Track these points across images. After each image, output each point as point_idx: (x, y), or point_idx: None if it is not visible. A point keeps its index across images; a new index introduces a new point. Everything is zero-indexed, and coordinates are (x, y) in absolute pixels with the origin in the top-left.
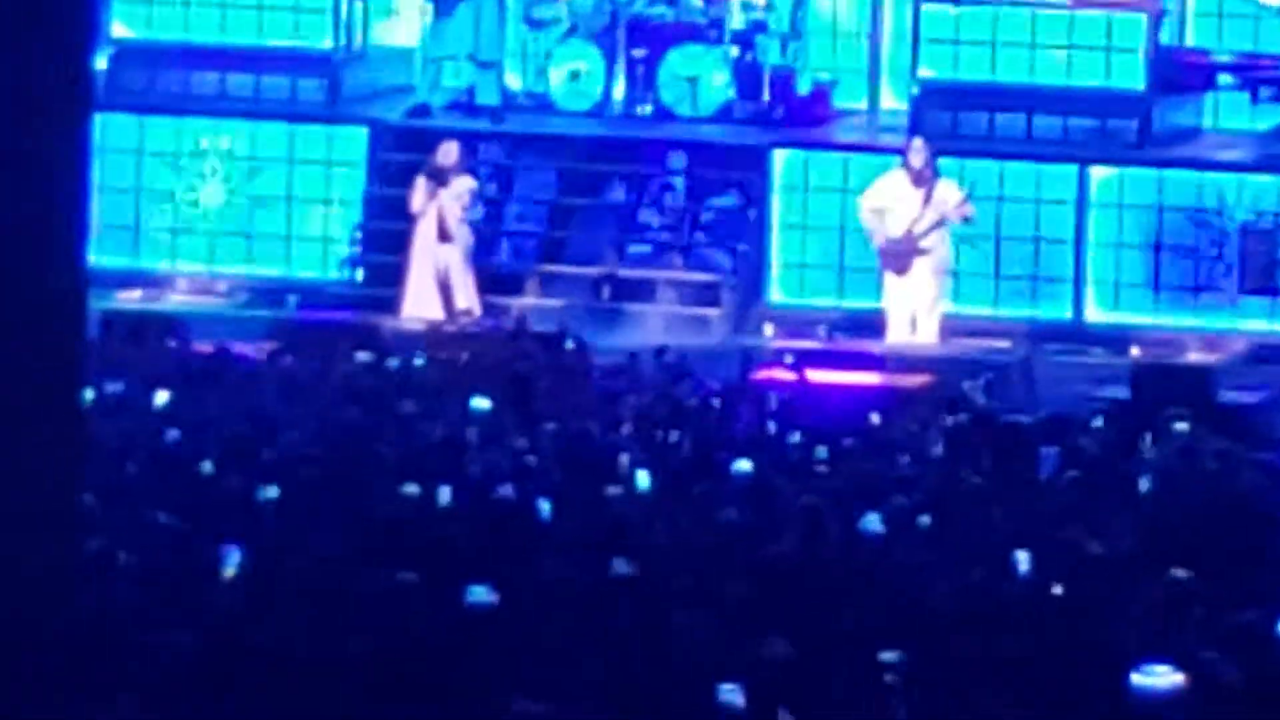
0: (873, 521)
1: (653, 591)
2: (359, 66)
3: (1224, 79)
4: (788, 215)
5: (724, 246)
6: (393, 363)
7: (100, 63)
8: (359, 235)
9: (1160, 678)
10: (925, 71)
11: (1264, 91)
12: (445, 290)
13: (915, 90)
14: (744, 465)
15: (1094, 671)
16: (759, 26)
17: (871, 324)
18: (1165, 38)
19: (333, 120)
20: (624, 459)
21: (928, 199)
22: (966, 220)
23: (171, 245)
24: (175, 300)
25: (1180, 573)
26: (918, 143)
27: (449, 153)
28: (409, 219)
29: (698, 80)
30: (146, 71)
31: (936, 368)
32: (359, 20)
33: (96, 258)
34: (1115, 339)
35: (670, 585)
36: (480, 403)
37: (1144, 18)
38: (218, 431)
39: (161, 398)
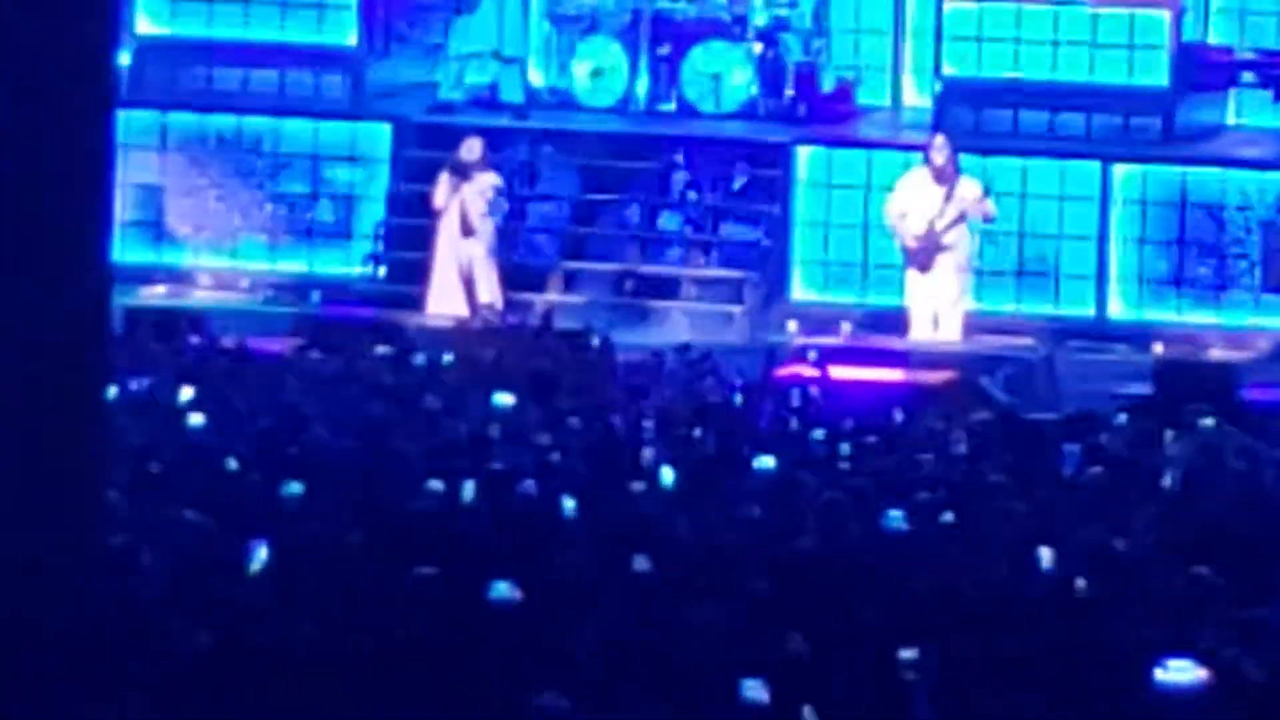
0: (895, 518)
1: (675, 587)
2: (383, 62)
3: (1247, 76)
4: (811, 212)
5: (747, 243)
6: (419, 358)
7: (123, 59)
8: (382, 231)
9: (1183, 674)
10: (948, 68)
11: None
12: (469, 286)
13: (938, 87)
14: (767, 462)
15: (1117, 668)
16: (782, 23)
17: (894, 321)
18: (1188, 35)
19: (356, 117)
20: (647, 455)
21: (949, 196)
22: (988, 218)
23: (195, 241)
24: (199, 296)
25: (1203, 569)
26: (939, 140)
27: (472, 148)
28: (432, 215)
29: (721, 77)
30: (170, 68)
31: (959, 364)
32: (382, 16)
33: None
34: (1138, 336)
35: (693, 581)
36: (504, 399)
37: (1166, 15)
38: (242, 427)
39: (186, 393)
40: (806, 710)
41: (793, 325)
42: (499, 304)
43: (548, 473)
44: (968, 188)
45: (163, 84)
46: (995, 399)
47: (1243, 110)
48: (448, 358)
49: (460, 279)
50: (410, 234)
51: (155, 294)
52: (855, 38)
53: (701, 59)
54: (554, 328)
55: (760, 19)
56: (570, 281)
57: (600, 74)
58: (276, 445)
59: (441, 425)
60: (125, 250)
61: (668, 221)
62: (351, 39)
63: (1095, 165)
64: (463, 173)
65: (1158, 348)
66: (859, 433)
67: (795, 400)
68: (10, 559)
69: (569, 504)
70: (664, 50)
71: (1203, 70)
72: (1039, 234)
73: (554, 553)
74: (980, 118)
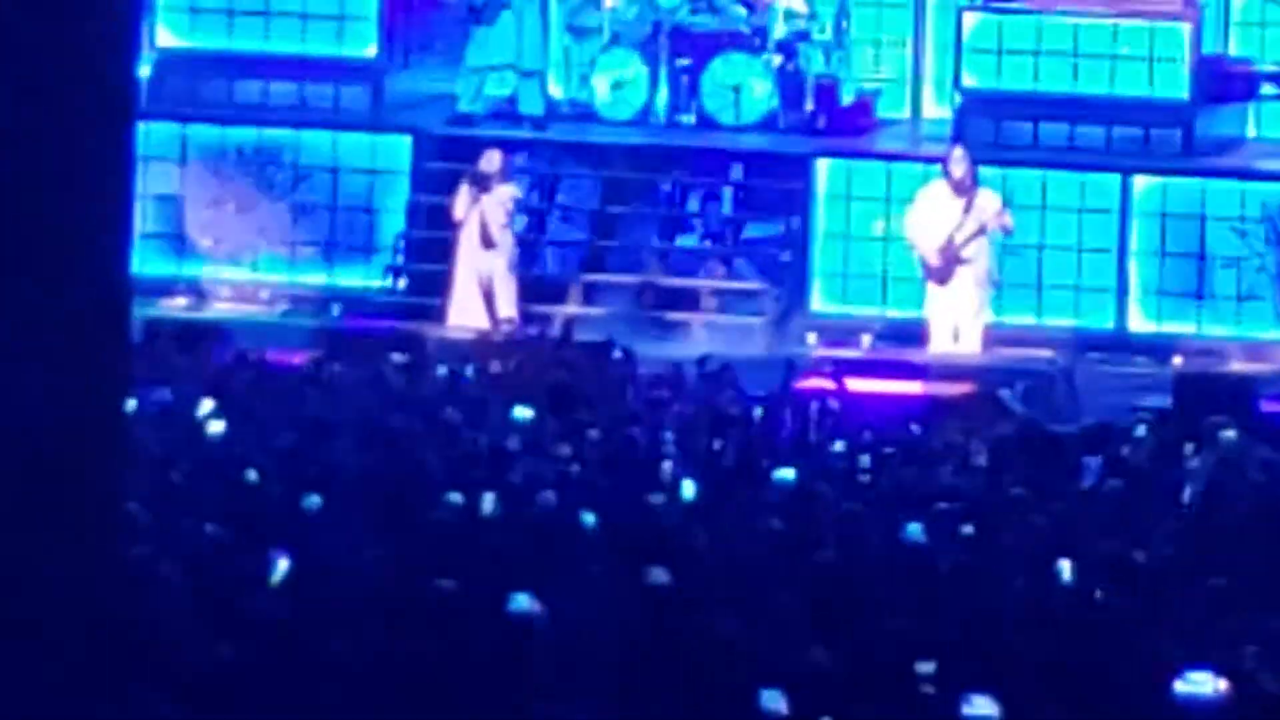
0: (915, 530)
1: (695, 599)
2: (403, 74)
3: (1267, 88)
4: (830, 224)
5: (767, 255)
6: (439, 370)
7: (144, 70)
8: (402, 243)
9: (1203, 686)
10: (968, 81)
11: None
12: (489, 298)
13: (958, 99)
14: (787, 474)
15: (1137, 680)
16: (802, 36)
17: (914, 333)
18: (1207, 47)
19: (376, 129)
20: (667, 467)
21: (968, 208)
22: (1006, 231)
23: (215, 253)
24: (219, 308)
25: (1222, 581)
26: (958, 152)
27: (492, 160)
28: (452, 227)
29: (741, 89)
30: (190, 79)
31: (979, 377)
32: (402, 28)
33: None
34: (1158, 348)
35: (713, 593)
36: (523, 411)
37: (1186, 27)
38: (262, 439)
39: (206, 406)
40: None
41: (812, 337)
42: (516, 317)
43: (567, 485)
44: (987, 200)
45: (183, 96)
46: (1015, 411)
47: (1263, 122)
48: (463, 369)
49: (480, 291)
50: (430, 246)
51: (175, 306)
52: (875, 50)
53: (721, 71)
54: (574, 340)
55: (780, 31)
56: (590, 294)
57: (620, 86)
58: (297, 457)
59: (461, 437)
60: (145, 262)
61: (687, 234)
62: (371, 51)
63: (1115, 177)
64: (483, 184)
65: (1177, 360)
66: (879, 445)
67: (815, 412)
68: (29, 569)
69: (589, 516)
70: (684, 62)
71: (1223, 82)
72: (1059, 246)
73: (574, 565)
74: (1000, 130)
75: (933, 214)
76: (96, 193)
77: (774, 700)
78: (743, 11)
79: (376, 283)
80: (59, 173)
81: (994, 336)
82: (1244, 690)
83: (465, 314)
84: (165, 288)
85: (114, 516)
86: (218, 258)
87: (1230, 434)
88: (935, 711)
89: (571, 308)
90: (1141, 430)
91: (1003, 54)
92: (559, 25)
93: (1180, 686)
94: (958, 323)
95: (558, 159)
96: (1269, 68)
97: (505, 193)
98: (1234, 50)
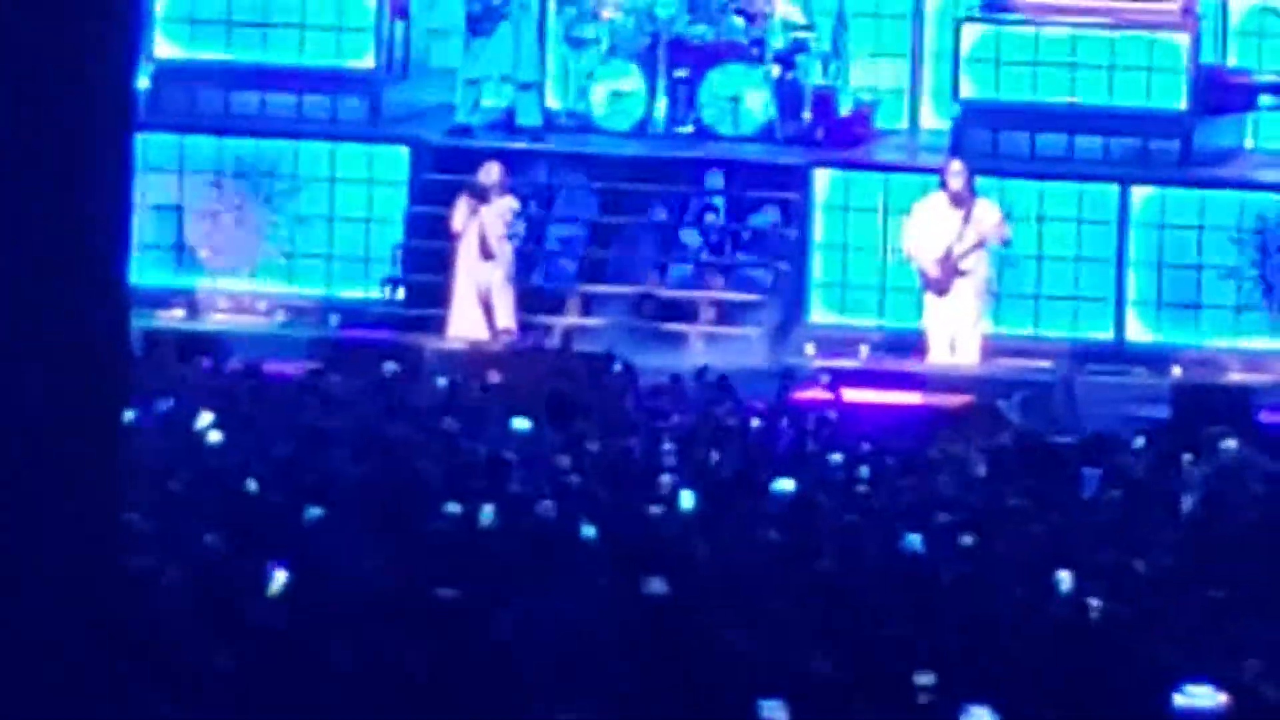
0: (913, 541)
1: (694, 610)
2: (400, 85)
3: (1265, 99)
4: (828, 235)
5: (765, 266)
6: (440, 381)
7: (142, 81)
8: (400, 254)
9: (1203, 699)
10: (966, 91)
11: None
12: (488, 309)
13: (956, 110)
14: (785, 485)
15: (1137, 691)
16: (800, 46)
17: (912, 344)
18: (1206, 58)
19: (374, 139)
20: (665, 478)
21: (967, 219)
22: (1004, 242)
23: (213, 264)
24: (217, 319)
25: (1222, 592)
26: (956, 165)
27: (491, 172)
28: (450, 238)
29: (739, 100)
30: (188, 90)
31: (977, 388)
32: (400, 39)
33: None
34: (1156, 359)
35: (712, 604)
36: (522, 422)
37: (1185, 38)
38: (262, 450)
39: (205, 417)
40: None
41: (810, 348)
42: (514, 327)
43: (566, 495)
44: (985, 211)
45: (181, 107)
46: (1013, 422)
47: (1261, 133)
48: (461, 380)
49: (479, 302)
50: (428, 257)
51: (174, 317)
52: (873, 61)
53: (719, 82)
54: (573, 351)
55: (778, 42)
56: (588, 304)
57: (618, 97)
58: (295, 467)
59: (460, 448)
60: (144, 273)
61: (686, 244)
62: (369, 62)
63: (1113, 188)
64: (481, 196)
65: (1176, 371)
66: (877, 456)
67: (813, 423)
68: (31, 578)
69: (588, 527)
70: (682, 73)
71: (1221, 93)
72: (1057, 257)
73: (573, 575)
74: (998, 140)
75: (931, 226)
76: (95, 203)
77: (774, 710)
78: (741, 22)
79: (374, 293)
80: (58, 183)
81: (992, 347)
82: (1245, 703)
83: (464, 325)
84: (164, 299)
85: (113, 526)
86: (216, 269)
87: (1229, 444)
88: None
89: (570, 319)
90: (1140, 441)
91: (1001, 65)
92: (557, 36)
93: (1180, 699)
94: (956, 334)
95: (556, 170)
96: (1267, 78)
97: (504, 205)
98: (1232, 61)
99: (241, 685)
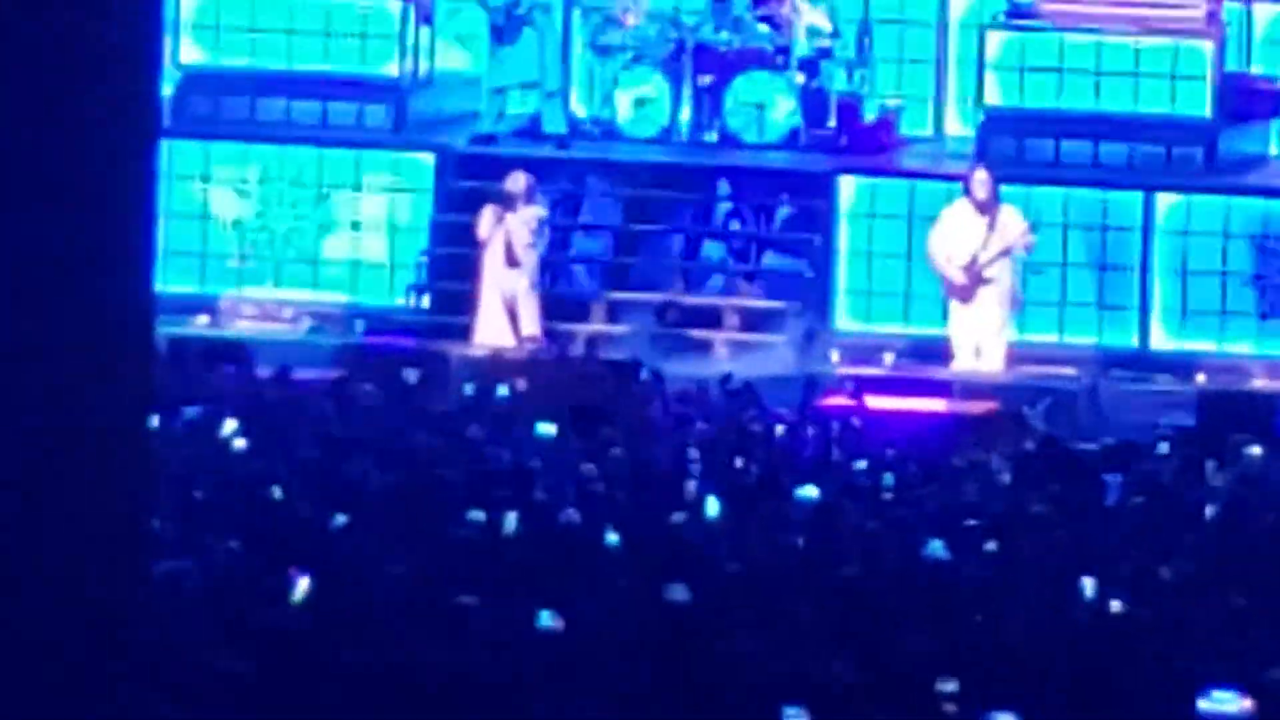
0: (937, 548)
1: (718, 616)
2: (425, 93)
3: None
4: (853, 242)
5: (790, 273)
6: (466, 389)
7: (167, 89)
8: (425, 261)
9: (1228, 704)
10: (991, 98)
11: None
12: (513, 317)
13: (981, 117)
14: (810, 491)
15: (1161, 697)
16: (825, 53)
17: (937, 351)
18: (1230, 65)
19: (399, 147)
20: (690, 485)
21: (992, 226)
22: (1027, 249)
23: (238, 271)
24: (242, 326)
25: (1245, 599)
26: (980, 174)
27: (518, 180)
28: (475, 245)
29: (764, 107)
30: (213, 98)
31: (1002, 395)
32: (425, 47)
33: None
34: (1181, 366)
35: (736, 610)
36: (547, 428)
37: (1209, 45)
38: (286, 457)
39: (230, 424)
40: None
41: (835, 355)
42: (540, 334)
43: (591, 502)
44: (1010, 218)
45: (206, 114)
46: (1038, 429)
47: None
48: (489, 388)
49: (505, 310)
50: (453, 264)
51: (199, 324)
52: (898, 67)
53: (744, 89)
54: (599, 358)
55: (803, 49)
56: (613, 312)
57: (643, 104)
58: (320, 474)
59: (485, 455)
60: (169, 280)
61: (710, 252)
62: (394, 69)
63: (1138, 195)
64: (508, 204)
65: (1200, 378)
66: (901, 463)
67: (837, 430)
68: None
69: (612, 534)
70: (707, 80)
71: (1246, 100)
72: (1082, 264)
73: (597, 582)
74: (1023, 147)
75: (957, 233)
76: (121, 211)
77: (797, 717)
78: (766, 29)
79: (400, 301)
80: (83, 191)
81: (1017, 354)
82: (1269, 709)
83: (490, 332)
84: (189, 306)
85: (138, 532)
86: (241, 276)
87: (1253, 451)
88: None
89: (595, 326)
90: (1164, 448)
91: (1025, 72)
92: (582, 43)
93: (1204, 705)
94: (980, 340)
95: (580, 177)
96: None
97: (530, 213)
98: (1257, 69)
99: (264, 691)
